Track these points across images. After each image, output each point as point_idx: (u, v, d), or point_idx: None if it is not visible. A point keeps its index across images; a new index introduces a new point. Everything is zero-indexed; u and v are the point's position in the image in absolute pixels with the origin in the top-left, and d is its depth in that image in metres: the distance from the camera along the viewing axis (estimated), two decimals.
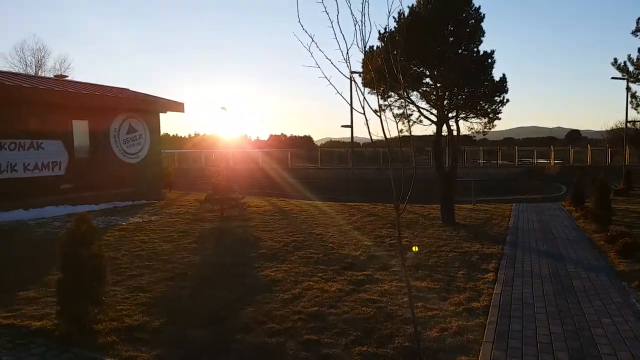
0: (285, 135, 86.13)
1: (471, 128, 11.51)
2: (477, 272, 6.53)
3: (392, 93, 10.58)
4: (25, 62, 39.14)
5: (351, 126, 25.24)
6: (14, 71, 29.52)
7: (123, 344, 4.06)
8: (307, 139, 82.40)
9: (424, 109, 11.17)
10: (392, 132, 3.97)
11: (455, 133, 11.28)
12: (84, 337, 4.15)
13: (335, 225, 10.65)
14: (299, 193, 21.31)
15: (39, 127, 13.63)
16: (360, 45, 3.61)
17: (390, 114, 11.02)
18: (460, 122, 11.26)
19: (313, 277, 6.24)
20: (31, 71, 37.91)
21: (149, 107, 17.35)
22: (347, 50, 3.54)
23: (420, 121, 11.26)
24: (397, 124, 3.96)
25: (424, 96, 11.20)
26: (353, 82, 3.96)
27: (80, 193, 14.50)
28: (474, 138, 12.76)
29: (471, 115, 11.22)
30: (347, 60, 3.56)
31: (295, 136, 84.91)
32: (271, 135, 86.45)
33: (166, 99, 18.31)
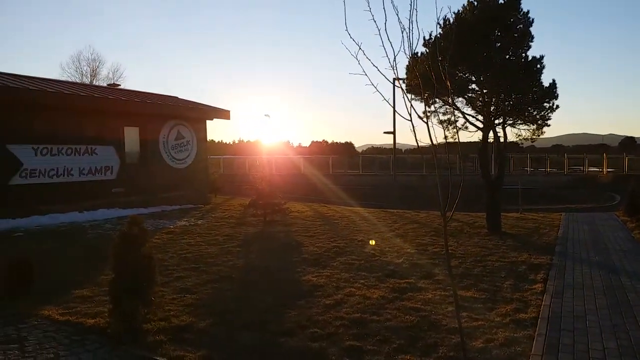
0: (326, 142, 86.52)
1: (519, 135, 11.21)
2: (524, 282, 6.34)
3: (437, 99, 10.46)
4: (81, 71, 41.13)
5: (394, 132, 25.06)
6: (70, 80, 31.13)
7: (171, 344, 4.20)
8: (349, 146, 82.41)
9: (469, 115, 10.98)
10: (437, 139, 3.94)
11: (502, 140, 11.01)
12: (134, 336, 4.31)
13: (377, 232, 10.59)
14: (340, 199, 21.33)
15: (93, 133, 14.30)
16: (407, 52, 3.61)
17: (435, 120, 10.89)
18: (508, 128, 10.99)
19: (355, 283, 6.24)
20: (86, 80, 39.81)
21: (196, 114, 17.88)
22: (395, 57, 3.55)
23: (466, 127, 11.07)
24: (444, 130, 3.91)
25: (470, 102, 11.00)
26: (398, 89, 3.96)
27: (131, 197, 15.08)
28: (521, 145, 12.41)
29: (519, 122, 10.92)
30: (394, 68, 3.56)
31: (336, 142, 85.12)
32: (313, 142, 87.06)
33: (213, 107, 18.81)
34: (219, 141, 79.18)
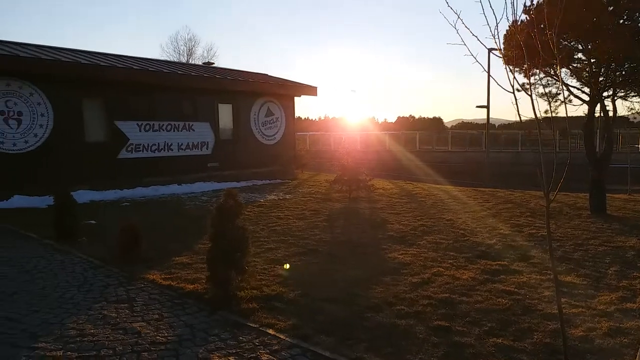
0: (413, 117, 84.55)
1: (631, 108, 10.14)
2: (633, 270, 5.81)
3: (537, 70, 9.72)
4: (179, 51, 43.50)
5: (487, 106, 23.79)
6: (169, 60, 33.02)
7: (262, 312, 4.39)
8: (437, 121, 79.86)
9: (573, 87, 10.10)
10: (536, 113, 3.65)
11: (610, 114, 10.03)
12: (228, 302, 4.57)
13: (467, 211, 10.22)
14: (427, 176, 20.84)
15: (191, 110, 15.14)
16: (510, 19, 3.37)
17: (534, 93, 10.16)
18: (618, 101, 9.98)
19: (443, 263, 6.09)
20: (183, 59, 42.06)
21: (285, 91, 18.23)
22: (497, 25, 3.33)
23: (570, 101, 10.20)
24: (549, 103, 3.61)
25: (575, 73, 10.10)
26: (496, 60, 3.72)
27: (224, 171, 15.87)
28: (632, 120, 11.25)
29: (632, 94, 9.87)
30: (495, 36, 3.35)
31: (424, 118, 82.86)
32: (399, 117, 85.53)
33: (301, 83, 19.06)
34: (305, 118, 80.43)
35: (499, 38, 3.21)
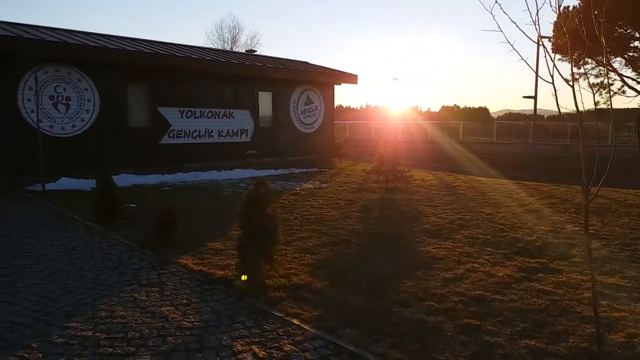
0: (458, 107, 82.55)
1: None
2: None
3: (589, 59, 9.22)
4: (223, 38, 44.15)
5: (535, 97, 22.89)
6: (214, 47, 33.49)
7: (289, 301, 4.38)
8: (483, 111, 77.63)
9: (628, 77, 9.54)
10: (586, 105, 3.44)
11: None
12: (256, 290, 4.58)
13: (508, 205, 9.88)
14: (470, 168, 20.30)
15: (231, 98, 15.31)
16: (553, 5, 3.16)
17: (585, 83, 9.66)
18: None
19: (479, 258, 5.90)
20: (227, 47, 42.60)
21: (325, 79, 18.13)
22: (537, 11, 3.14)
23: (623, 92, 9.66)
24: (593, 95, 3.37)
25: (631, 62, 9.53)
26: (541, 47, 3.52)
27: (263, 158, 16.01)
28: None
29: None
30: (536, 22, 3.15)
31: (469, 107, 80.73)
32: (443, 107, 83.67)
33: (341, 71, 18.91)
34: (346, 106, 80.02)
35: (539, 25, 3.01)
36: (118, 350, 3.39)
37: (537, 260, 5.85)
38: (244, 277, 4.62)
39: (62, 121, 11.80)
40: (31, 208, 8.67)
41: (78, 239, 6.49)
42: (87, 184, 10.75)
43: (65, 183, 11.15)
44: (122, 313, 4.03)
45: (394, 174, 12.02)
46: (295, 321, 3.97)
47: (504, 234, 7.25)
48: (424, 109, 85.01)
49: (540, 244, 6.66)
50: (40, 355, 3.30)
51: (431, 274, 5.29)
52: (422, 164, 19.60)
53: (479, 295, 4.64)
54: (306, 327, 3.87)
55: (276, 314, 4.11)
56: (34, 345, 3.44)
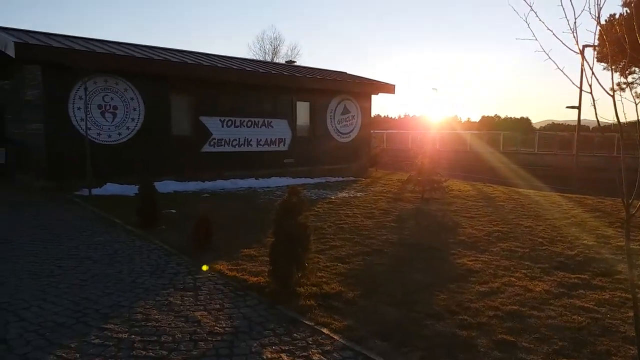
0: (498, 117, 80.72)
1: None
2: None
3: (636, 68, 8.87)
4: (264, 50, 44.93)
5: (579, 107, 22.13)
6: (254, 58, 34.15)
7: (319, 310, 4.39)
8: (524, 121, 75.60)
9: None
10: (632, 116, 3.30)
11: None
12: (288, 297, 4.62)
13: (549, 218, 9.57)
14: (510, 180, 19.78)
15: (270, 107, 15.57)
16: (593, 12, 3.08)
17: (631, 93, 9.27)
18: None
19: (516, 272, 5.74)
20: (268, 58, 43.33)
21: (362, 89, 18.17)
22: (575, 20, 3.07)
23: None
24: (636, 105, 3.21)
25: None
26: (582, 56, 3.43)
27: (299, 167, 16.15)
28: None
29: None
30: (574, 31, 3.08)
31: (510, 118, 78.76)
32: (483, 117, 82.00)
33: (378, 81, 18.90)
34: (384, 116, 79.70)
35: (576, 33, 2.94)
36: (151, 354, 3.49)
37: (577, 275, 5.64)
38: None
39: (109, 129, 12.30)
40: (77, 212, 9.05)
41: (120, 242, 6.73)
42: (130, 189, 11.11)
43: (110, 188, 11.58)
44: (157, 316, 4.15)
45: (430, 184, 11.87)
46: (325, 330, 3.98)
47: (543, 247, 7.03)
48: (464, 119, 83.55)
49: (581, 259, 6.42)
50: (78, 355, 3.44)
51: (465, 286, 5.19)
52: (460, 175, 19.26)
53: (515, 311, 4.51)
54: (335, 336, 3.87)
55: (306, 322, 4.13)
56: (72, 345, 3.59)
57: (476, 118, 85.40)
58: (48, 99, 11.43)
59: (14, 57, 10.64)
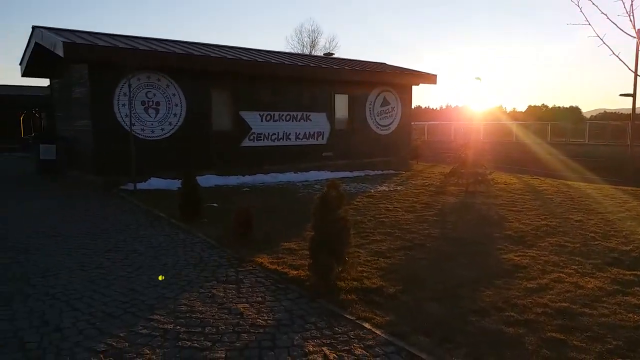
0: (546, 106, 77.72)
1: None
2: None
3: None
4: (302, 43, 44.98)
5: (633, 94, 20.97)
6: (292, 52, 34.25)
7: (360, 304, 4.35)
8: (574, 110, 72.39)
9: None
10: None
11: None
12: (328, 291, 4.60)
13: (601, 211, 9.14)
14: (559, 171, 19.02)
15: (308, 101, 15.54)
16: None
17: None
18: None
19: (565, 268, 5.51)
20: (306, 51, 43.36)
21: (402, 80, 17.87)
22: (632, 1, 2.88)
23: None
24: None
25: None
26: (639, 39, 3.22)
27: (338, 161, 16.09)
28: None
29: None
30: (630, 13, 2.89)
31: (558, 107, 75.64)
32: (529, 106, 79.14)
33: (419, 71, 18.55)
34: (425, 107, 78.35)
35: (633, 16, 2.75)
36: (196, 344, 3.55)
37: (633, 272, 5.35)
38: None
39: (152, 125, 12.62)
40: (123, 206, 9.35)
41: (164, 235, 6.90)
42: (173, 184, 11.40)
43: (154, 183, 11.90)
44: (201, 308, 4.23)
45: (474, 177, 11.56)
46: (367, 325, 3.94)
47: (595, 242, 6.71)
48: (509, 109, 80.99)
49: (637, 255, 6.09)
50: (127, 344, 3.54)
51: (512, 282, 5.02)
52: (506, 167, 18.69)
53: (565, 308, 4.33)
54: (377, 331, 3.82)
55: (347, 316, 4.10)
56: (121, 334, 3.70)
57: (522, 108, 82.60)
58: (94, 96, 11.84)
59: (62, 56, 11.06)
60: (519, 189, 12.37)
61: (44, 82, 20.22)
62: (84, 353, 3.41)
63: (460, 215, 8.80)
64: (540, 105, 78.44)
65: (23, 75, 16.24)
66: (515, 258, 5.90)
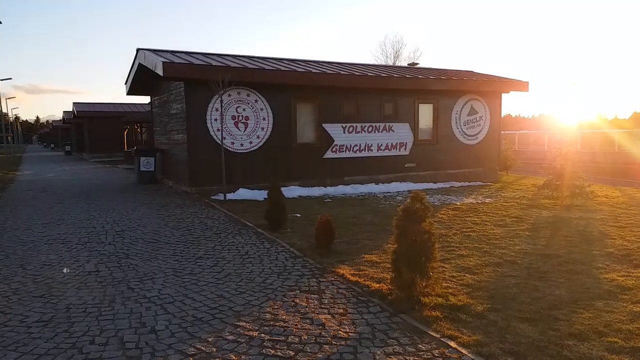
0: None
1: None
2: None
3: None
4: (386, 54, 44.87)
5: None
6: (375, 63, 34.25)
7: (445, 321, 4.20)
8: None
9: None
10: None
11: None
12: (411, 306, 4.49)
13: None
14: None
15: (391, 111, 15.44)
16: None
17: None
18: None
19: None
20: (390, 62, 43.18)
21: (491, 87, 17.18)
22: None
23: None
24: None
25: None
26: None
27: (421, 172, 15.77)
28: None
29: None
30: None
31: None
32: (635, 113, 72.45)
33: (509, 79, 17.75)
34: (516, 115, 74.59)
35: None
36: (279, 353, 3.62)
37: None
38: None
39: (242, 138, 13.20)
40: (214, 215, 9.84)
41: (250, 244, 7.16)
42: (260, 194, 11.84)
43: (243, 193, 12.42)
44: (284, 317, 4.32)
45: (570, 189, 10.79)
46: (453, 344, 3.79)
47: None
48: (610, 116, 74.65)
49: None
50: (214, 349, 3.70)
51: (615, 305, 4.59)
52: (607, 179, 17.22)
53: None
54: (464, 351, 3.67)
55: (432, 333, 3.98)
56: (209, 339, 3.88)
57: (625, 115, 75.86)
58: (190, 111, 12.64)
59: (162, 75, 11.95)
60: (623, 202, 11.33)
61: (145, 99, 21.96)
62: (175, 355, 3.61)
63: (555, 230, 8.22)
64: None
65: (128, 94, 17.80)
66: (618, 278, 5.40)
